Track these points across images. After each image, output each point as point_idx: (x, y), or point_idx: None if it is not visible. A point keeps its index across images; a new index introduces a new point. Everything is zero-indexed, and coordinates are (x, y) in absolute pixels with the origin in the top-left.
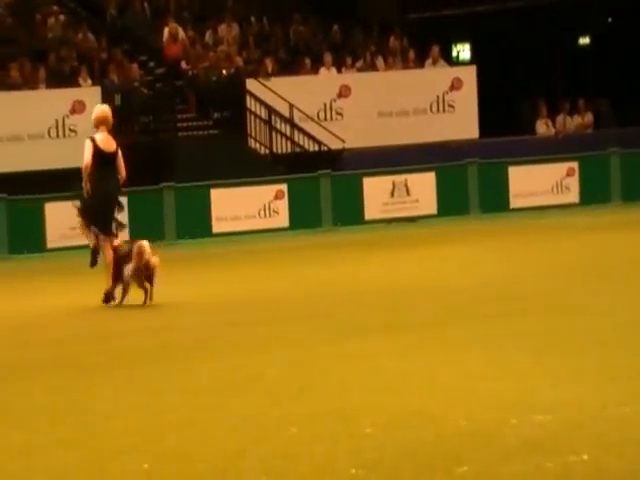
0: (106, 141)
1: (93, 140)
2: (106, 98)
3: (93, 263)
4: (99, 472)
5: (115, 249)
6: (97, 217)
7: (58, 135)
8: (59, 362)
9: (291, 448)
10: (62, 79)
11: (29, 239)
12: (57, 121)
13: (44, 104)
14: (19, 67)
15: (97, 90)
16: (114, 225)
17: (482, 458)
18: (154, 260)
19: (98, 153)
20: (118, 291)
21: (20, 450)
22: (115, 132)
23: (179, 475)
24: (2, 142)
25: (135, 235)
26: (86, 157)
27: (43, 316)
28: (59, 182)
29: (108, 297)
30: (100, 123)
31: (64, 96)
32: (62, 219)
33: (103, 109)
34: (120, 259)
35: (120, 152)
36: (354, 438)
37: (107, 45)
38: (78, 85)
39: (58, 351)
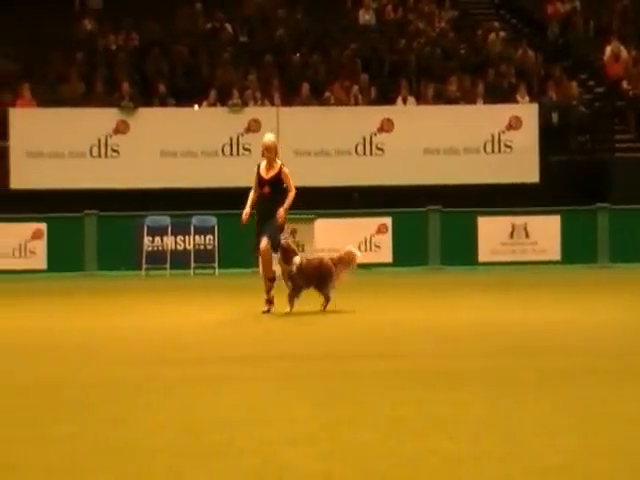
0: (266, 168)
1: (258, 167)
2: (543, 115)
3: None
4: None
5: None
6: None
7: (493, 150)
8: (492, 375)
9: None
10: (499, 95)
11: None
12: (493, 136)
13: (481, 119)
14: (458, 81)
15: (534, 107)
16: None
17: None
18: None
19: (258, 179)
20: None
21: (448, 458)
22: (550, 149)
23: None
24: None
25: (567, 255)
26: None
27: (472, 327)
28: (488, 197)
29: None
30: (266, 151)
31: (501, 112)
32: (492, 233)
33: (271, 139)
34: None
35: (282, 175)
36: None
37: (546, 62)
38: (515, 101)
39: (492, 364)
